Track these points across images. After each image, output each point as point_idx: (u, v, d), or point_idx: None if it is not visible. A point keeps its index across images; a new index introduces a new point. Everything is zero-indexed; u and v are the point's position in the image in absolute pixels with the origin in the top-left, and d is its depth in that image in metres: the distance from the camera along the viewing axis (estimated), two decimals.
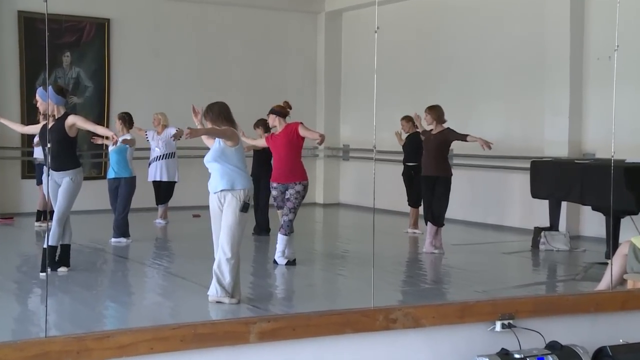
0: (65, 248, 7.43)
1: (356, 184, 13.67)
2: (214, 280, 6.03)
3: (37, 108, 7.91)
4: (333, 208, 13.98)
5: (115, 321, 6.11)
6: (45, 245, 7.17)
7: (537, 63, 10.58)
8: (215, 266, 6.02)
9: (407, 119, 10.39)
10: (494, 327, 3.13)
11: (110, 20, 12.56)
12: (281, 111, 8.02)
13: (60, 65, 12.16)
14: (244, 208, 6.04)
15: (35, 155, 10.73)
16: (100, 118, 12.41)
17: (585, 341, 3.13)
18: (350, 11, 13.91)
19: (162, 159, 10.81)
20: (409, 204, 10.51)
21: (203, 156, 6.38)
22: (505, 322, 3.12)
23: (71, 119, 7.18)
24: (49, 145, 7.40)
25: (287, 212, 7.82)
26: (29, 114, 11.45)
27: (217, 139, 6.14)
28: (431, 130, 8.90)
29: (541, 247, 9.07)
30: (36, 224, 10.49)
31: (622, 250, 5.29)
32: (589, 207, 8.78)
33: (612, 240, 7.41)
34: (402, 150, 10.59)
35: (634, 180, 7.70)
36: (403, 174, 10.53)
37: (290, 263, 7.87)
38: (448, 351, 3.06)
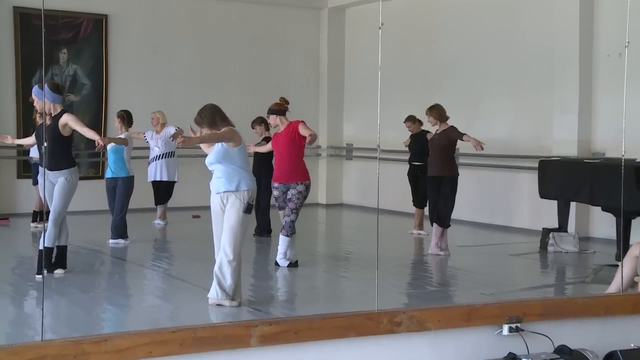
0: (62, 249, 7.44)
1: (360, 184, 13.66)
2: (214, 283, 6.04)
3: (34, 107, 7.94)
4: (336, 208, 13.98)
5: (113, 324, 6.11)
6: (41, 247, 7.19)
7: (545, 60, 10.57)
8: (216, 268, 6.03)
9: (412, 119, 10.36)
10: (501, 331, 3.13)
11: (108, 16, 12.57)
12: (279, 109, 8.01)
13: (56, 62, 12.17)
14: (248, 209, 6.04)
15: (31, 155, 10.75)
16: (98, 116, 12.44)
17: (595, 345, 3.13)
18: (353, 7, 13.91)
19: (161, 158, 10.82)
20: (414, 205, 10.51)
21: (204, 155, 6.39)
22: (513, 325, 3.12)
23: (64, 119, 7.18)
24: (45, 144, 7.41)
25: (289, 213, 7.82)
26: (25, 112, 11.47)
27: (218, 144, 6.09)
28: (437, 129, 8.90)
29: (549, 248, 9.06)
30: (32, 224, 10.50)
31: (633, 252, 5.29)
32: (599, 208, 8.77)
33: (623, 242, 7.41)
34: (406, 149, 10.59)
35: None
36: (408, 174, 10.53)
37: (292, 265, 7.87)
38: (454, 355, 3.06)
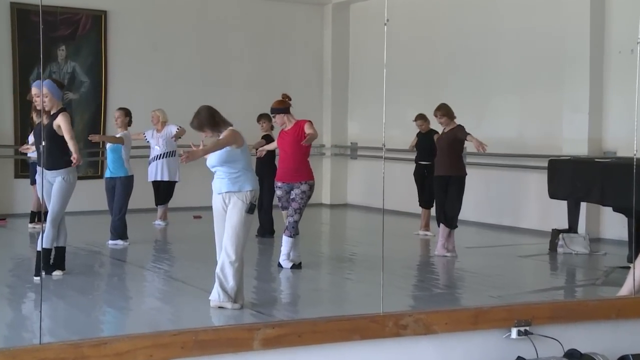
0: (60, 251, 7.45)
1: (365, 184, 13.67)
2: (216, 285, 6.04)
3: (31, 104, 7.93)
4: (340, 209, 13.98)
5: (112, 327, 6.11)
6: (39, 248, 7.19)
7: (555, 56, 10.56)
8: (218, 269, 6.03)
9: (423, 117, 10.28)
10: (510, 334, 3.13)
11: (107, 12, 12.58)
12: (283, 107, 7.97)
13: (55, 59, 12.20)
14: (251, 209, 6.05)
15: (29, 154, 10.77)
16: (97, 114, 12.47)
17: (606, 349, 3.13)
18: (358, 3, 13.91)
19: (162, 157, 10.82)
20: (420, 205, 10.50)
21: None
22: (522, 328, 3.12)
23: (58, 119, 7.18)
24: (43, 143, 7.43)
25: (292, 213, 7.82)
26: (22, 110, 11.49)
27: None
28: (444, 128, 8.90)
29: (559, 250, 9.06)
30: (30, 225, 10.52)
31: None
32: (610, 208, 8.76)
33: (635, 243, 7.39)
34: (412, 148, 10.58)
35: None
36: (415, 173, 10.53)
37: (296, 266, 7.88)
38: (461, 359, 3.06)
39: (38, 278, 7.17)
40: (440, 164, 8.80)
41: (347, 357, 2.90)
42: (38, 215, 10.44)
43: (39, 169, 8.51)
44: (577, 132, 10.17)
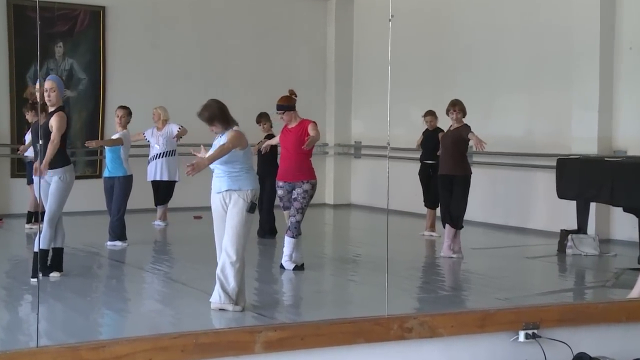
0: (58, 252, 7.46)
1: (368, 184, 13.67)
2: (217, 286, 6.05)
3: (27, 102, 7.95)
4: (344, 209, 13.98)
5: (111, 330, 6.12)
6: (36, 249, 7.20)
7: (563, 53, 10.55)
8: (218, 271, 6.03)
9: (433, 114, 10.20)
10: (517, 338, 3.13)
11: (106, 8, 12.59)
12: (290, 104, 7.94)
13: (52, 56, 12.21)
14: (251, 208, 6.05)
15: (25, 153, 10.79)
16: (95, 112, 12.48)
17: (616, 353, 3.13)
18: None
19: (161, 157, 10.82)
20: (425, 205, 10.50)
21: None
22: (530, 332, 3.12)
23: (52, 119, 7.18)
24: (40, 142, 7.43)
25: (295, 213, 7.82)
26: (19, 108, 11.49)
27: (220, 142, 6.09)
28: (451, 126, 8.89)
29: (568, 251, 9.04)
30: (27, 226, 10.53)
31: None
32: (620, 209, 8.76)
33: None
34: (419, 146, 10.56)
35: None
36: (420, 173, 10.52)
37: (298, 268, 7.88)
38: None
39: (35, 280, 7.18)
40: (445, 163, 8.79)
41: None
42: (35, 216, 10.45)
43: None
44: (586, 131, 10.16)
